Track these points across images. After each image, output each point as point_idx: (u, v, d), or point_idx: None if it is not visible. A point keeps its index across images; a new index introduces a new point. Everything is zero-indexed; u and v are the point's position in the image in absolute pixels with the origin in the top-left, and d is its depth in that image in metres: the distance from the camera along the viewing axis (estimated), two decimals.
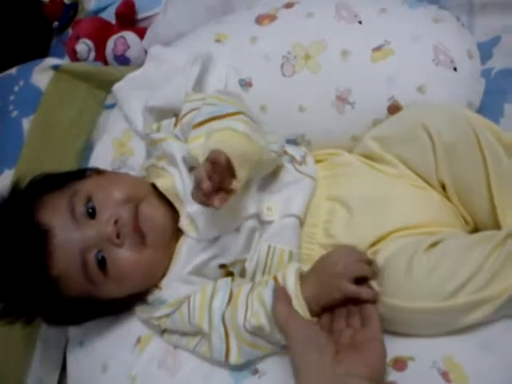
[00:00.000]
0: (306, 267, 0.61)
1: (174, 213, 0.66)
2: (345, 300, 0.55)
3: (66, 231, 0.61)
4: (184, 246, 0.64)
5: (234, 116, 0.62)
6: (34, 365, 0.75)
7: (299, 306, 0.56)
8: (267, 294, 0.59)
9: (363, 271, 0.56)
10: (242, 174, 0.56)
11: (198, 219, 0.63)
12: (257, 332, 0.59)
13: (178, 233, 0.66)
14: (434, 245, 0.57)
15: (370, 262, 0.58)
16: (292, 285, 0.57)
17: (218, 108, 0.64)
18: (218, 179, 0.55)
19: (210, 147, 0.57)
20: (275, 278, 0.60)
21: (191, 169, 0.66)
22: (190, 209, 0.63)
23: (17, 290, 0.63)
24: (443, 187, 0.64)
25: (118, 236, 0.61)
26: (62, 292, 0.62)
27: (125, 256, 0.62)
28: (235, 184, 0.56)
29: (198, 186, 0.55)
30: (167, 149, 0.67)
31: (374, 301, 0.55)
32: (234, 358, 0.61)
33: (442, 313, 0.53)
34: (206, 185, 0.54)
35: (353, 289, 0.55)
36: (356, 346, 0.51)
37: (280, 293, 0.57)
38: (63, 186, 0.65)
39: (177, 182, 0.65)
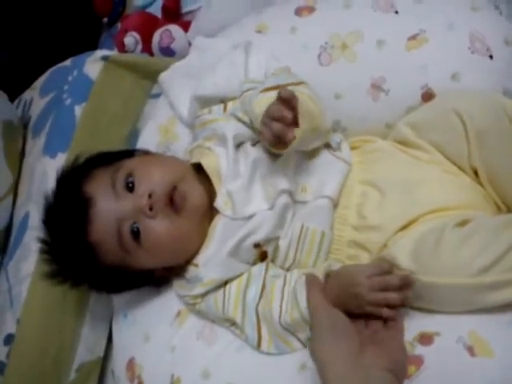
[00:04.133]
0: (336, 265, 0.64)
1: (210, 193, 0.69)
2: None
3: (106, 202, 0.66)
4: (219, 225, 0.67)
5: (300, 84, 0.67)
6: (83, 334, 0.80)
7: None
8: (300, 292, 0.60)
9: (389, 301, 0.55)
10: (303, 124, 0.59)
11: (235, 196, 0.66)
12: (290, 328, 0.61)
13: (212, 213, 0.69)
14: (464, 223, 0.58)
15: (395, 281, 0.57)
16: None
17: (286, 76, 0.69)
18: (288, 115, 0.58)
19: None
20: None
21: (238, 145, 0.70)
22: (230, 186, 0.67)
23: (62, 252, 0.69)
24: (476, 173, 0.65)
25: (150, 208, 0.65)
26: (100, 258, 0.67)
27: (157, 227, 0.65)
28: (297, 131, 0.59)
29: (270, 118, 0.59)
30: (218, 128, 0.71)
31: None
32: (265, 347, 0.64)
33: (469, 290, 0.54)
34: (289, 115, 0.58)
35: (375, 310, 0.56)
36: (378, 342, 0.52)
37: (311, 280, 0.59)
38: (112, 162, 0.71)
39: (221, 161, 0.69)
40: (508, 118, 0.62)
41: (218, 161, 0.69)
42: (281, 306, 0.62)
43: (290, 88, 0.63)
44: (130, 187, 0.67)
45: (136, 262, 0.68)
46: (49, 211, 0.71)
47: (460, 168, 0.66)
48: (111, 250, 0.67)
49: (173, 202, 0.66)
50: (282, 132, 0.59)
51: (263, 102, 0.64)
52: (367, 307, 0.56)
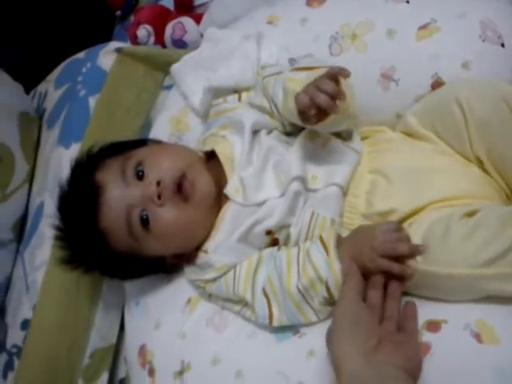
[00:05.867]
0: (345, 233, 0.64)
1: (221, 181, 0.70)
2: (376, 271, 0.58)
3: (116, 189, 0.67)
4: (229, 212, 0.68)
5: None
6: (97, 321, 0.81)
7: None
8: (315, 254, 0.61)
9: (398, 251, 0.56)
10: (343, 104, 0.61)
11: (247, 183, 0.67)
12: (306, 293, 0.61)
13: (222, 200, 0.70)
14: (471, 214, 0.58)
15: (409, 240, 0.58)
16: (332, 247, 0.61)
17: (318, 60, 0.70)
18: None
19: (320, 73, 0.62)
20: (321, 237, 0.63)
21: (253, 134, 0.71)
22: (242, 173, 0.68)
23: (75, 239, 0.71)
24: (481, 161, 0.65)
25: (159, 197, 0.66)
26: (111, 245, 0.68)
27: (166, 214, 0.66)
28: (343, 105, 0.60)
29: (318, 89, 0.60)
30: (235, 117, 0.72)
31: (405, 276, 0.57)
32: (276, 320, 0.64)
33: (475, 280, 0.54)
34: (337, 89, 0.59)
35: (385, 263, 0.57)
36: (395, 341, 0.53)
37: (351, 270, 0.58)
38: (123, 152, 0.72)
39: (235, 149, 0.70)
40: (506, 105, 0.61)
41: (231, 148, 0.70)
42: (298, 273, 0.62)
43: (323, 70, 0.64)
44: (140, 175, 0.68)
45: (145, 248, 0.69)
46: (62, 199, 0.73)
47: (464, 157, 0.66)
48: (121, 237, 0.68)
49: (181, 189, 0.67)
50: (329, 104, 0.59)
51: (296, 79, 0.65)
52: (379, 259, 0.57)
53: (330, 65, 0.68)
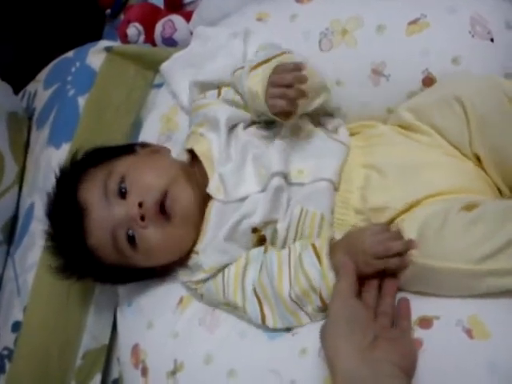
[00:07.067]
0: (340, 235, 0.63)
1: (205, 179, 0.69)
2: (371, 274, 0.58)
3: (100, 210, 0.67)
4: (213, 210, 0.68)
5: (286, 54, 0.69)
6: (88, 322, 0.81)
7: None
8: (308, 263, 0.61)
9: (394, 251, 0.56)
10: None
11: (226, 179, 0.67)
12: (298, 301, 0.61)
13: (207, 201, 0.69)
14: (470, 208, 0.57)
15: (399, 238, 0.58)
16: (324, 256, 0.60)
17: (271, 51, 0.71)
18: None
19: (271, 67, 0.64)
20: (313, 246, 0.62)
21: (230, 130, 0.70)
22: (221, 169, 0.67)
23: (65, 252, 0.72)
24: (478, 158, 0.65)
25: (142, 218, 0.65)
26: (101, 259, 0.69)
27: (151, 235, 0.66)
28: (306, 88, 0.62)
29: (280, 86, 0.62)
30: (210, 113, 0.72)
31: (404, 266, 0.57)
32: (270, 323, 0.64)
33: (469, 275, 0.53)
34: (300, 77, 0.62)
35: (379, 263, 0.57)
36: (390, 338, 0.53)
37: (346, 265, 0.57)
38: (107, 161, 0.71)
39: (213, 147, 0.69)
40: (507, 99, 0.61)
41: (209, 146, 0.70)
42: (290, 281, 0.62)
43: (278, 58, 0.67)
44: (123, 193, 0.67)
45: (135, 263, 0.70)
46: (49, 216, 0.73)
47: (461, 153, 0.66)
48: (110, 254, 0.68)
49: (164, 209, 0.66)
50: (299, 93, 0.62)
51: (255, 78, 0.66)
52: (373, 261, 0.57)
53: (283, 50, 0.71)
